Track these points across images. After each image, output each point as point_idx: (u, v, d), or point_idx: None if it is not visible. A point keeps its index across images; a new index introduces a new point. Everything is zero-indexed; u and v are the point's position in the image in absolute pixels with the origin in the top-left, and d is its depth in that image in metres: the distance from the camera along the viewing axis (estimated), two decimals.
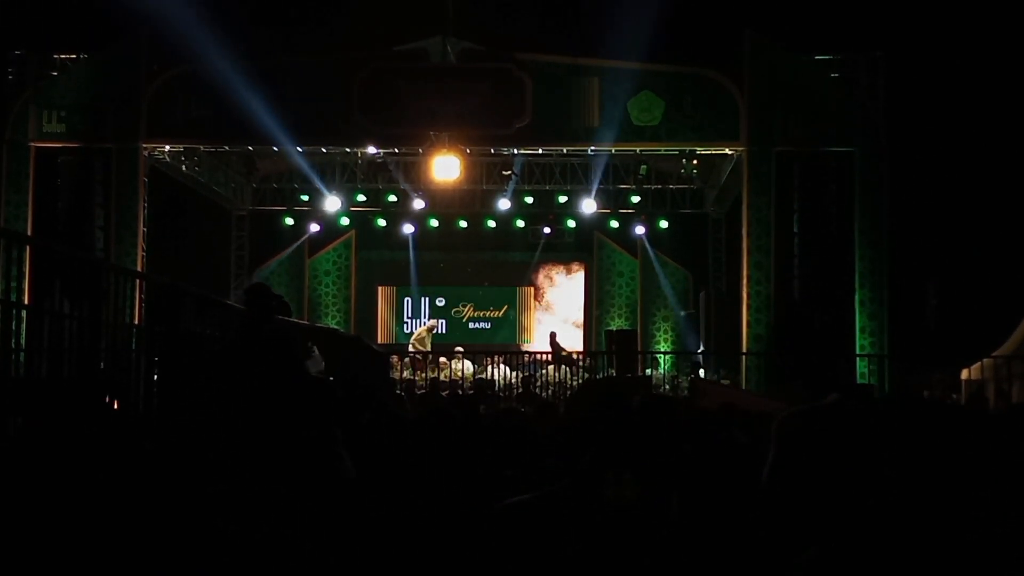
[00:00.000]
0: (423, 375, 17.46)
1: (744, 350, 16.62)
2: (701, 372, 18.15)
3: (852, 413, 2.06)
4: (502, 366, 17.23)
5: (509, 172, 19.91)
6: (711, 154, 18.68)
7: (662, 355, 19.18)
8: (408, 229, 22.38)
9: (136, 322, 6.29)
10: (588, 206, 20.88)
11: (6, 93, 17.26)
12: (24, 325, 5.03)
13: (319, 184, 20.73)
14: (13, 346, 4.82)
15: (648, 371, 16.97)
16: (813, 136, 16.77)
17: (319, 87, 17.13)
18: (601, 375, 16.55)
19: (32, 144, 17.19)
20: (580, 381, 16.17)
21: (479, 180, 20.51)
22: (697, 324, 20.62)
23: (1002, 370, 13.62)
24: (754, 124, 16.69)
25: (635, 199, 21.31)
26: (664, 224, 22.10)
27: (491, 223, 22.17)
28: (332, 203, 20.94)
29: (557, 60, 17.17)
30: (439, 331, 21.25)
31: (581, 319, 23.18)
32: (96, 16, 15.56)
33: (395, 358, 17.46)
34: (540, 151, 18.76)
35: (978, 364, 14.11)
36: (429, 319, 21.00)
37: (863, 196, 16.70)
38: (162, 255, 17.81)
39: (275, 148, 18.04)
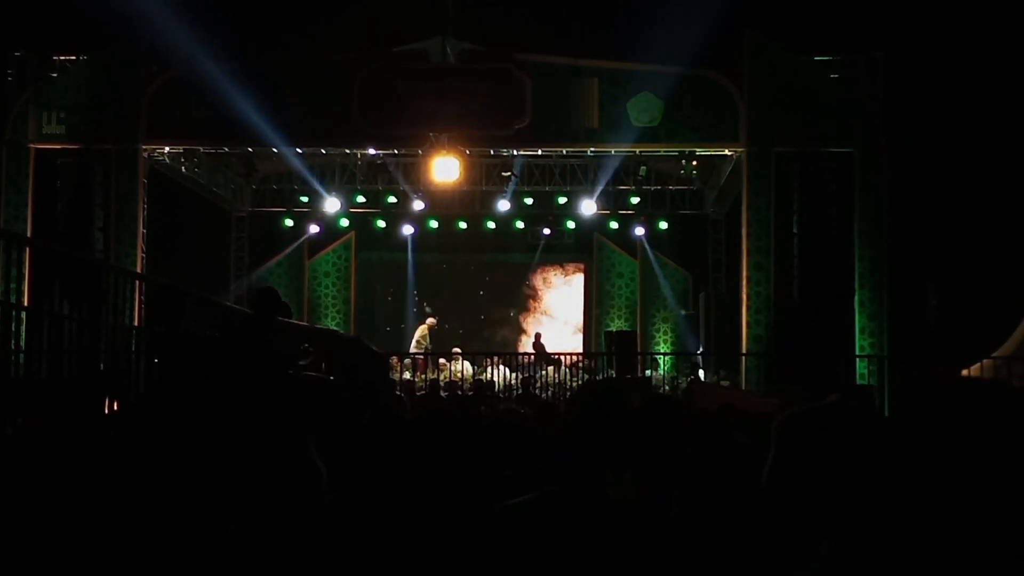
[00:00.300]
0: (423, 376, 17.46)
1: (744, 351, 16.62)
2: (701, 373, 18.16)
3: (852, 413, 2.06)
4: (501, 367, 17.23)
5: (509, 173, 19.91)
6: (711, 155, 18.68)
7: (662, 356, 19.17)
8: (408, 230, 22.39)
9: (136, 323, 6.29)
10: (588, 207, 20.88)
11: (6, 94, 17.26)
12: (24, 326, 5.03)
13: (317, 185, 20.73)
14: (13, 347, 4.82)
15: (648, 372, 16.96)
16: (813, 136, 16.77)
17: (318, 88, 17.14)
18: (601, 376, 16.55)
19: (32, 145, 17.19)
20: (580, 382, 16.16)
21: (479, 181, 20.51)
22: (697, 325, 20.62)
23: (1002, 371, 13.61)
24: (754, 125, 16.69)
25: (635, 200, 21.31)
26: (664, 225, 22.10)
27: (491, 224, 22.17)
28: (332, 204, 20.95)
29: (556, 61, 17.17)
30: (440, 327, 21.28)
31: (578, 322, 23.18)
32: (96, 17, 15.55)
33: (394, 359, 17.46)
34: (540, 152, 18.77)
35: (978, 365, 14.10)
36: (428, 318, 20.98)
37: (863, 196, 16.70)
38: (161, 256, 17.80)
39: (275, 149, 18.05)
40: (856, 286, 16.67)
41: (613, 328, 21.57)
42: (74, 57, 17.45)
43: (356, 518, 3.52)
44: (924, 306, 19.30)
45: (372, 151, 18.83)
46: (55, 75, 17.38)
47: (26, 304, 5.19)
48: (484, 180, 20.63)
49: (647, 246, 22.41)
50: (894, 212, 16.77)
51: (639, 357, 17.59)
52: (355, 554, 3.37)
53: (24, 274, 4.99)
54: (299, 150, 18.63)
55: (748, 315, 16.68)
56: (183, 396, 6.29)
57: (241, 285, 22.18)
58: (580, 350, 21.45)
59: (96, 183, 17.85)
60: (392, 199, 21.67)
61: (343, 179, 21.01)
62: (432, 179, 17.76)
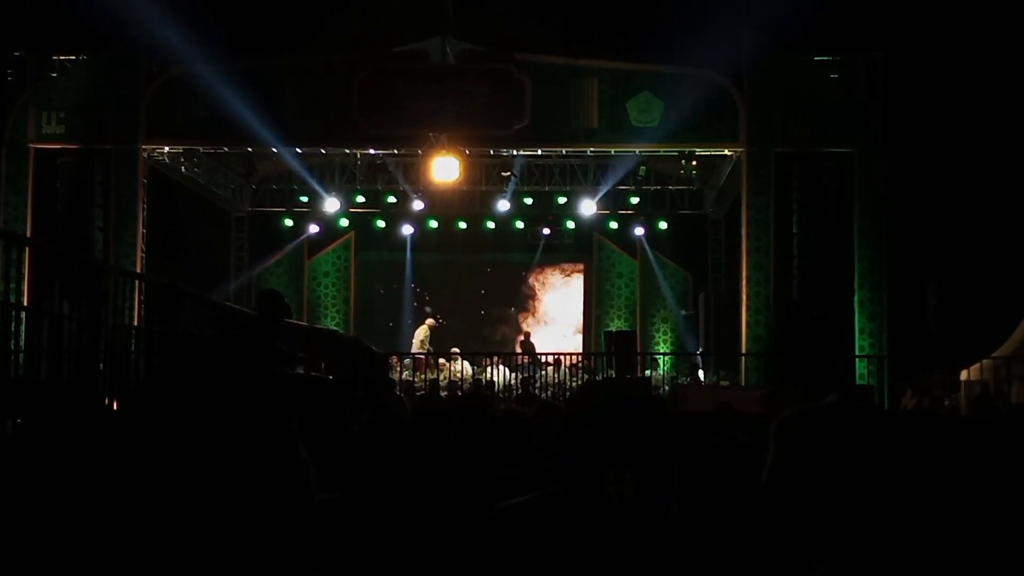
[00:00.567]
0: (422, 376, 17.46)
1: (744, 351, 16.62)
2: (700, 373, 18.16)
3: (851, 413, 2.06)
4: (501, 367, 17.23)
5: (509, 173, 19.91)
6: (710, 155, 18.68)
7: (662, 356, 19.17)
8: (407, 230, 22.39)
9: (135, 323, 6.29)
10: (587, 207, 20.90)
11: (5, 94, 17.25)
12: (23, 326, 5.03)
13: (316, 186, 20.74)
14: (12, 347, 4.82)
15: (648, 372, 16.97)
16: (812, 137, 16.77)
17: (318, 88, 17.14)
18: (601, 376, 16.55)
19: (31, 145, 17.18)
20: (580, 382, 16.17)
21: (478, 181, 20.51)
22: (696, 325, 20.63)
23: (1002, 371, 13.61)
24: (753, 125, 16.68)
25: (634, 200, 21.31)
26: (663, 225, 22.10)
27: (490, 224, 22.17)
28: (331, 204, 20.94)
29: (556, 61, 17.17)
30: (440, 327, 21.31)
31: (576, 323, 23.18)
32: (95, 17, 15.54)
33: (394, 359, 17.46)
34: (539, 152, 18.76)
35: (978, 365, 14.10)
36: (428, 318, 21.00)
37: (862, 196, 16.70)
38: (161, 256, 17.80)
39: (274, 149, 18.05)
40: (856, 286, 16.67)
41: (613, 328, 21.56)
42: (74, 57, 17.45)
43: (355, 518, 3.52)
44: (923, 307, 19.31)
45: (372, 151, 18.83)
46: (55, 75, 17.38)
47: (26, 304, 5.19)
48: (484, 180, 20.62)
49: (647, 246, 22.41)
50: (894, 212, 16.76)
51: (639, 357, 17.58)
52: (354, 554, 3.37)
53: (24, 274, 5.00)
54: (299, 150, 18.63)
55: (748, 315, 16.68)
56: (182, 396, 6.29)
57: (241, 285, 22.17)
58: (580, 350, 21.45)
59: (96, 183, 17.85)
60: (392, 199, 21.67)
61: (343, 179, 21.01)
62: (432, 179, 17.76)
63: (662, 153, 18.22)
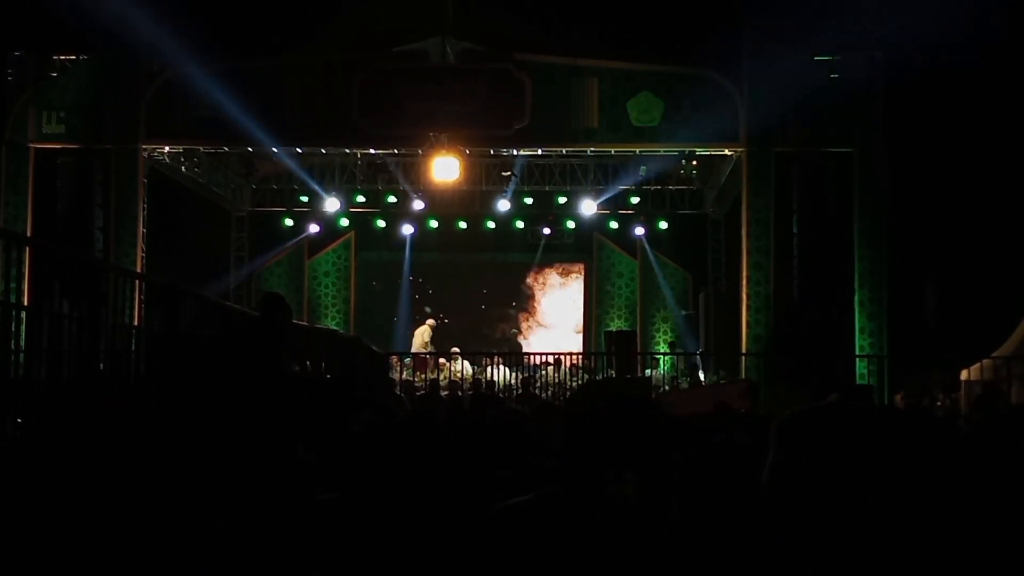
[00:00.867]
0: (422, 376, 17.46)
1: (744, 350, 16.61)
2: (701, 374, 18.16)
3: (852, 413, 2.06)
4: (502, 367, 17.24)
5: (509, 173, 19.91)
6: (710, 155, 18.67)
7: (662, 355, 19.18)
8: (407, 230, 22.39)
9: (135, 323, 6.29)
10: (587, 207, 20.93)
11: (6, 94, 17.25)
12: (23, 326, 5.02)
13: (315, 186, 20.75)
14: (12, 347, 4.82)
15: (648, 372, 16.96)
16: (812, 137, 16.77)
17: (319, 88, 17.14)
18: (601, 376, 16.55)
19: (31, 145, 17.19)
20: (580, 382, 16.17)
21: (479, 181, 20.51)
22: (697, 325, 20.63)
23: (1002, 370, 13.59)
24: (753, 125, 16.68)
25: (634, 200, 21.31)
26: (664, 225, 22.12)
27: (491, 224, 22.18)
28: (331, 204, 20.96)
29: (556, 61, 17.18)
30: (440, 326, 21.33)
31: (574, 324, 23.18)
32: (95, 17, 15.54)
33: (394, 359, 17.46)
34: (539, 152, 18.76)
35: (978, 365, 14.09)
36: (429, 318, 21.00)
37: (863, 196, 16.70)
38: (161, 256, 17.79)
39: (274, 150, 18.06)
40: (856, 286, 16.67)
41: (613, 328, 21.56)
42: (74, 57, 17.45)
43: (355, 518, 3.52)
44: (924, 306, 19.31)
45: (372, 151, 18.83)
46: (55, 75, 17.38)
47: (26, 304, 5.19)
48: (484, 180, 20.63)
49: (647, 246, 22.42)
50: (894, 212, 16.75)
51: (639, 357, 17.57)
52: (354, 554, 3.37)
53: (24, 274, 4.99)
54: (299, 150, 18.64)
55: (748, 315, 16.68)
56: (182, 396, 6.29)
57: (242, 285, 22.17)
58: (578, 350, 21.45)
59: (96, 183, 17.85)
60: (392, 199, 21.68)
61: (343, 179, 21.01)
62: (432, 179, 17.77)
63: (662, 153, 18.22)
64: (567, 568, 2.39)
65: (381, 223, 22.51)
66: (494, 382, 16.47)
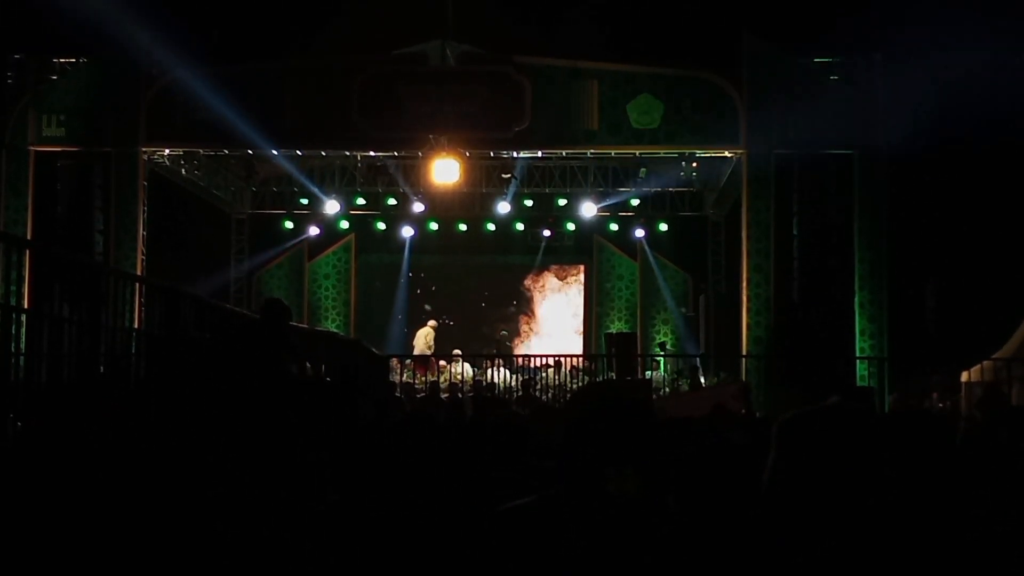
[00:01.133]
0: (422, 378, 17.46)
1: (744, 352, 16.61)
2: (701, 377, 18.15)
3: (852, 415, 2.06)
4: (502, 369, 17.24)
5: (509, 175, 19.92)
6: (710, 156, 18.68)
7: (662, 357, 19.17)
8: (407, 232, 22.39)
9: (135, 326, 6.29)
10: (588, 209, 20.96)
11: (6, 97, 17.25)
12: (24, 329, 5.03)
13: (314, 189, 20.77)
14: (13, 350, 4.82)
15: (648, 373, 16.96)
16: (812, 138, 16.74)
17: (319, 90, 17.15)
18: (601, 378, 16.55)
19: (31, 148, 17.18)
20: (580, 384, 16.16)
21: (479, 183, 20.51)
22: (697, 327, 20.63)
23: (1002, 372, 13.59)
24: (753, 126, 16.68)
25: (635, 202, 21.32)
26: (664, 227, 22.13)
27: (491, 226, 22.18)
28: (331, 206, 20.97)
29: (556, 63, 17.18)
30: (447, 322, 21.36)
31: (572, 327, 23.17)
32: (95, 20, 15.54)
33: (394, 361, 17.46)
34: (540, 154, 18.76)
35: (978, 366, 14.09)
36: (431, 319, 21.00)
37: (863, 198, 16.70)
38: (161, 259, 17.80)
39: (275, 152, 18.07)
40: (856, 288, 16.67)
41: (613, 330, 21.56)
42: (74, 60, 17.45)
43: (355, 520, 3.52)
44: (924, 308, 19.31)
45: (372, 153, 18.83)
46: (55, 78, 17.38)
47: (26, 307, 5.19)
48: (484, 182, 20.64)
49: (647, 248, 22.42)
50: (894, 214, 16.75)
51: (639, 359, 17.57)
52: (354, 556, 3.37)
53: (24, 277, 4.99)
54: (299, 152, 18.64)
55: (748, 317, 16.67)
56: (182, 399, 6.29)
57: (242, 287, 22.18)
58: (577, 353, 21.44)
59: (96, 186, 17.85)
60: (392, 201, 21.68)
61: (343, 181, 21.02)
62: (432, 181, 17.78)
63: (662, 155, 18.23)
64: (568, 568, 2.39)
65: (381, 225, 22.51)
66: (494, 384, 16.47)
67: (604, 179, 20.74)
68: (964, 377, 14.35)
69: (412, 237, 22.49)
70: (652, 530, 2.37)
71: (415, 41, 17.55)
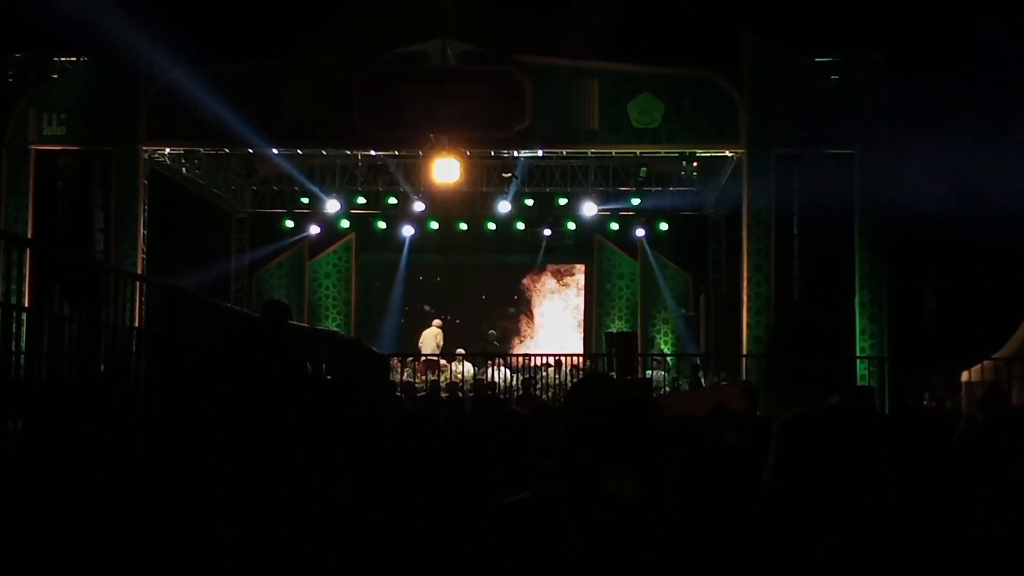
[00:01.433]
0: (423, 377, 17.47)
1: (744, 352, 16.61)
2: (702, 377, 18.16)
3: (853, 415, 2.06)
4: (502, 368, 17.24)
5: (510, 175, 19.92)
6: (711, 156, 18.68)
7: (662, 357, 19.17)
8: (408, 231, 22.39)
9: (136, 325, 6.29)
10: (588, 208, 20.97)
11: (6, 96, 17.24)
12: (24, 328, 5.03)
13: (313, 188, 20.78)
14: (13, 349, 4.82)
15: (649, 373, 16.97)
16: (813, 138, 16.76)
17: (319, 90, 17.16)
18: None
19: (32, 147, 17.18)
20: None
21: (479, 182, 20.52)
22: (697, 326, 20.62)
23: (1002, 372, 13.60)
24: (754, 126, 16.69)
25: (635, 201, 21.33)
26: (664, 226, 22.12)
27: (491, 225, 22.18)
28: (332, 205, 20.97)
29: (556, 62, 17.18)
30: (454, 320, 21.36)
31: (571, 327, 23.16)
32: (96, 19, 15.54)
33: (395, 360, 17.46)
34: (540, 153, 18.76)
35: (978, 366, 14.10)
36: (435, 319, 21.01)
37: (863, 198, 16.69)
38: (162, 258, 17.80)
39: (275, 151, 18.08)
40: (856, 287, 16.66)
41: (613, 329, 21.57)
42: (74, 59, 17.44)
43: (361, 519, 3.52)
44: (924, 308, 19.31)
45: (373, 152, 18.83)
46: (55, 77, 17.37)
47: (26, 306, 5.19)
48: (485, 181, 20.64)
49: (647, 247, 22.42)
50: (894, 214, 16.74)
51: (639, 358, 17.58)
52: (354, 554, 3.37)
53: (24, 276, 4.99)
54: (299, 151, 18.64)
55: (748, 316, 16.67)
56: (183, 399, 6.30)
57: (242, 286, 22.18)
58: (580, 351, 21.46)
59: (96, 184, 17.86)
60: (393, 200, 21.68)
61: (344, 180, 21.02)
62: (432, 180, 17.78)
63: (663, 154, 18.22)
64: (567, 568, 2.39)
65: (382, 224, 22.52)
66: (495, 383, 16.48)
67: (605, 178, 20.74)
68: (964, 377, 14.37)
69: (412, 236, 22.48)
70: (651, 530, 2.37)
71: (416, 40, 17.54)
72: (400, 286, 22.89)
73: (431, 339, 20.07)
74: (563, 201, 21.48)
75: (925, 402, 14.44)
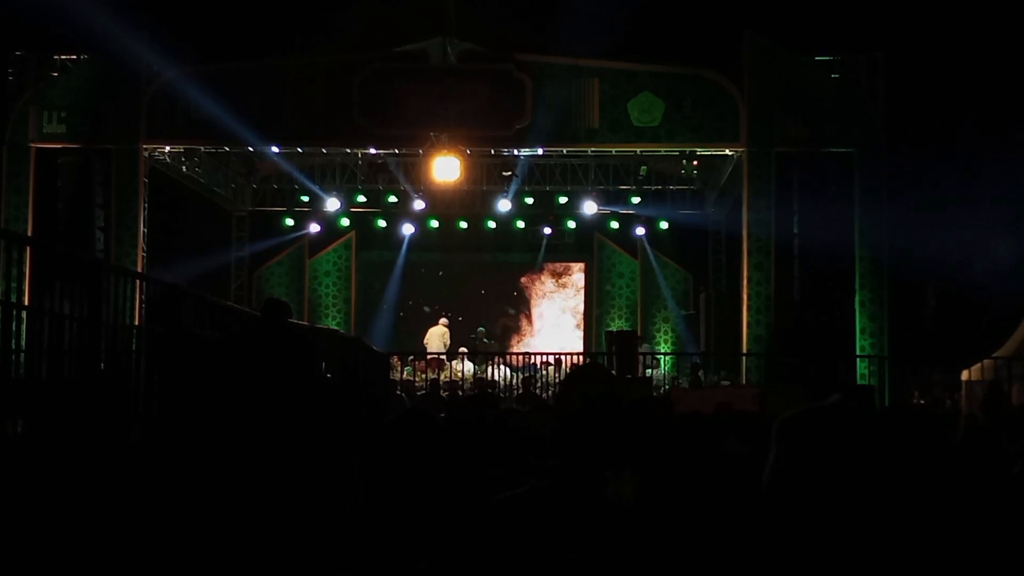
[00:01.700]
0: (422, 376, 17.47)
1: (744, 351, 16.61)
2: (700, 373, 18.15)
3: (853, 414, 2.06)
4: (503, 367, 17.24)
5: (510, 173, 19.91)
6: (711, 155, 18.68)
7: (662, 356, 19.19)
8: (408, 230, 22.38)
9: (136, 323, 6.29)
10: (588, 207, 20.96)
11: (6, 94, 17.25)
12: (24, 326, 5.03)
13: (313, 186, 20.78)
14: (13, 347, 4.82)
15: (648, 371, 16.97)
16: (813, 137, 16.77)
17: (319, 88, 17.15)
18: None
19: (32, 145, 17.19)
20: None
21: (479, 181, 20.52)
22: (697, 325, 20.62)
23: (1002, 371, 13.61)
24: (754, 125, 16.69)
25: (635, 200, 21.32)
26: (664, 225, 22.11)
27: (491, 224, 22.18)
28: (332, 204, 20.97)
29: (557, 61, 17.18)
30: (458, 320, 21.37)
31: (570, 326, 23.16)
32: (96, 17, 15.54)
33: (395, 359, 17.46)
34: (540, 152, 18.75)
35: (978, 365, 14.11)
36: (442, 319, 21.00)
37: (863, 196, 16.69)
38: (162, 256, 17.80)
39: (275, 150, 18.08)
40: (856, 286, 16.66)
41: (613, 328, 21.56)
42: (75, 57, 17.44)
43: (370, 519, 3.52)
44: (924, 307, 19.31)
45: (373, 151, 18.83)
46: (56, 75, 17.38)
47: (27, 304, 5.19)
48: (485, 180, 20.64)
49: (647, 246, 22.42)
50: (894, 213, 16.75)
51: (639, 357, 17.57)
52: (356, 553, 3.37)
53: (25, 273, 4.99)
54: (300, 150, 18.64)
55: (748, 315, 16.67)
56: (184, 396, 6.29)
57: (243, 285, 22.18)
58: (580, 350, 21.46)
59: (97, 182, 17.86)
60: (393, 199, 21.68)
61: (344, 178, 21.02)
62: (433, 179, 17.77)
63: (663, 153, 18.22)
64: (567, 567, 2.39)
65: (382, 223, 22.51)
66: (495, 382, 16.48)
67: (605, 177, 20.74)
68: (964, 376, 14.38)
69: (412, 235, 22.47)
70: (652, 532, 2.37)
71: (416, 39, 17.54)
72: (399, 284, 22.88)
73: (438, 338, 20.04)
74: (563, 200, 21.46)
75: (925, 401, 14.44)
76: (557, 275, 23.42)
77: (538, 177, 20.74)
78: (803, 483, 1.99)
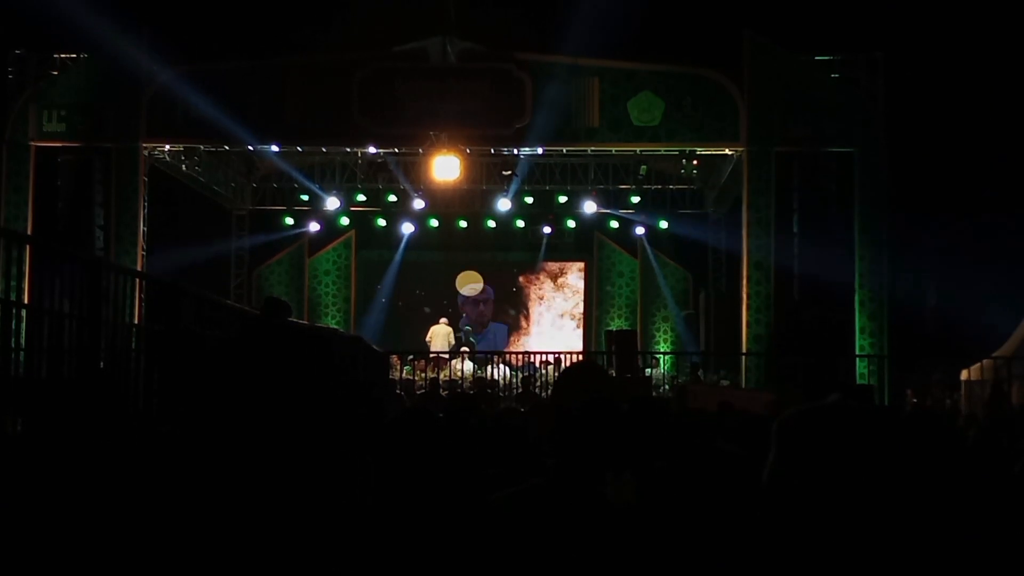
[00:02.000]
0: (422, 375, 17.47)
1: (744, 350, 16.61)
2: (700, 373, 18.15)
3: (853, 413, 2.06)
4: (502, 366, 17.24)
5: (509, 172, 19.91)
6: (711, 154, 18.68)
7: (662, 355, 19.18)
8: (408, 229, 22.37)
9: (136, 321, 6.29)
10: (588, 206, 20.96)
11: (6, 93, 17.25)
12: (24, 324, 5.03)
13: (313, 185, 20.78)
14: (13, 345, 4.82)
15: (648, 371, 16.97)
16: (813, 136, 16.77)
17: (319, 87, 17.15)
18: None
19: (32, 143, 17.18)
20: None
21: (479, 180, 20.52)
22: (697, 324, 20.62)
23: (1002, 371, 13.60)
24: (754, 124, 16.68)
25: (635, 199, 21.32)
26: (664, 224, 22.11)
27: (491, 223, 22.17)
28: (332, 203, 20.97)
29: (557, 60, 17.17)
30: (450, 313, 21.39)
31: (569, 325, 23.15)
32: (96, 15, 15.53)
33: (394, 358, 17.45)
34: (540, 151, 18.75)
35: (978, 365, 14.11)
36: (443, 318, 21.00)
37: (863, 196, 16.69)
38: (162, 254, 17.80)
39: (275, 148, 18.07)
40: (856, 286, 16.66)
41: (613, 327, 21.56)
42: (75, 55, 17.44)
43: (375, 516, 3.52)
44: (924, 306, 19.31)
45: (373, 150, 18.84)
46: (56, 73, 17.37)
47: (26, 302, 5.19)
48: (485, 179, 20.64)
49: (647, 245, 22.42)
50: (894, 212, 16.76)
51: (639, 356, 17.57)
52: (356, 552, 3.37)
53: (24, 272, 4.99)
54: (299, 149, 18.64)
55: (748, 314, 16.67)
56: (184, 395, 6.29)
57: (243, 284, 22.18)
58: (580, 349, 21.46)
59: (96, 181, 17.85)
60: (393, 198, 21.68)
61: (343, 178, 21.01)
62: (432, 178, 17.77)
63: (663, 152, 18.22)
64: (567, 568, 2.39)
65: (382, 222, 22.51)
66: (495, 381, 16.47)
67: (605, 176, 20.74)
68: (964, 375, 14.37)
69: (411, 234, 22.46)
70: (644, 538, 2.37)
71: (416, 38, 17.54)
72: (398, 284, 22.87)
73: (442, 336, 20.03)
74: (563, 199, 21.46)
75: (925, 401, 14.44)
76: (559, 273, 23.42)
77: (538, 176, 20.74)
78: (803, 483, 1.99)
